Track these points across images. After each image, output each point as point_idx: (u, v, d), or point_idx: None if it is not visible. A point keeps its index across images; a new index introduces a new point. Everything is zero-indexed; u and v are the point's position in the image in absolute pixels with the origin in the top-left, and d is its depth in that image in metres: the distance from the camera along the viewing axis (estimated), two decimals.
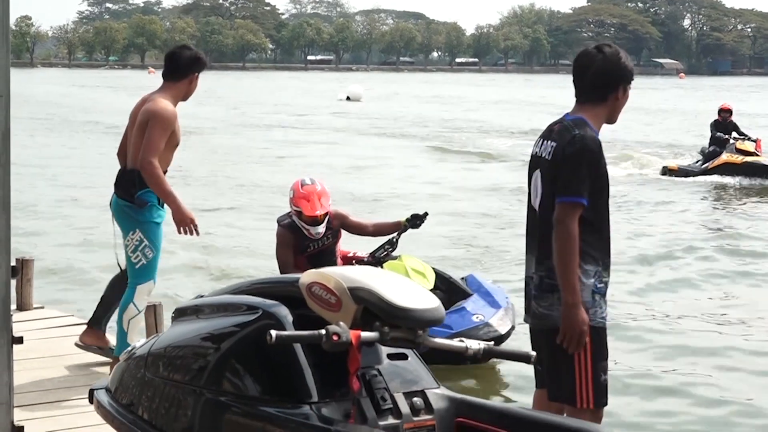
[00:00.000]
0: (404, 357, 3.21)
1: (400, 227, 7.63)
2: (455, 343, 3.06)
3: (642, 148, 28.21)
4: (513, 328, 7.66)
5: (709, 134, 21.72)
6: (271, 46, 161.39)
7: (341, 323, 2.83)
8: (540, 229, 4.25)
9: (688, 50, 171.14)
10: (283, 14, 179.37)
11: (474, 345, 3.06)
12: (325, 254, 7.34)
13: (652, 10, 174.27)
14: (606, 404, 4.23)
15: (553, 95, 63.81)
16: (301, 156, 26.13)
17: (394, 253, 7.73)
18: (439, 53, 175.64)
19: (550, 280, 4.18)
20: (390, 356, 3.17)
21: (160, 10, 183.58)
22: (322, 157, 25.85)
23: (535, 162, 4.34)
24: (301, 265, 6.96)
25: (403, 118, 42.06)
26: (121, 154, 6.36)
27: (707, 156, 21.45)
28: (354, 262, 7.64)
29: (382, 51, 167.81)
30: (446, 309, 7.44)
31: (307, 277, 3.08)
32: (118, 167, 6.35)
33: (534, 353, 3.28)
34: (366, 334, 2.86)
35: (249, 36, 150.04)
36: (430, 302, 2.97)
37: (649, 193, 19.55)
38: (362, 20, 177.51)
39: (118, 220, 6.25)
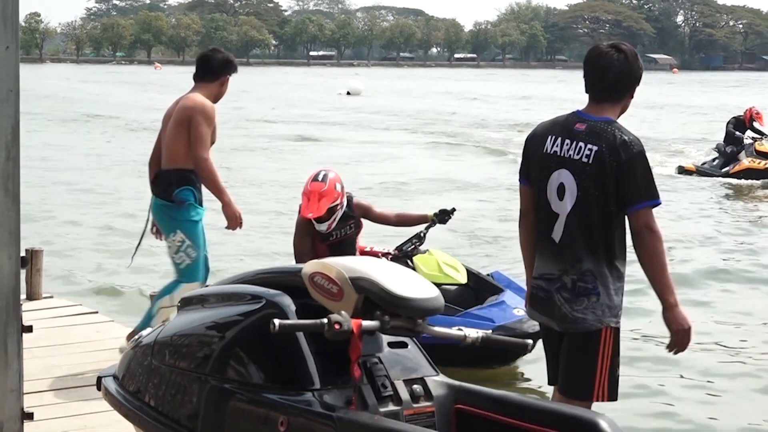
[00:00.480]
0: (404, 345, 3.27)
1: (426, 220, 7.51)
2: (453, 331, 3.12)
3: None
4: None
5: (720, 132, 20.78)
6: (274, 42, 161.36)
7: (343, 312, 2.89)
8: (568, 232, 4.18)
9: (681, 46, 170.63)
10: (285, 11, 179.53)
11: (472, 333, 3.12)
12: (346, 244, 7.21)
13: (646, 6, 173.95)
14: (617, 399, 4.27)
15: (550, 89, 63.74)
16: (302, 150, 26.10)
17: (421, 248, 7.66)
18: (438, 49, 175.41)
19: (585, 284, 4.16)
20: (390, 344, 3.23)
21: (165, 6, 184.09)
22: (322, 150, 25.84)
23: (556, 162, 4.22)
24: (321, 254, 6.77)
25: (402, 112, 41.98)
26: (154, 161, 6.35)
27: (725, 156, 20.62)
28: (380, 255, 7.47)
29: (383, 47, 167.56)
30: (476, 305, 7.46)
31: (309, 267, 3.13)
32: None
33: (530, 342, 3.35)
34: (367, 323, 2.92)
35: (252, 32, 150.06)
36: (430, 292, 3.03)
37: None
38: (363, 17, 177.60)
39: (159, 223, 6.29)
